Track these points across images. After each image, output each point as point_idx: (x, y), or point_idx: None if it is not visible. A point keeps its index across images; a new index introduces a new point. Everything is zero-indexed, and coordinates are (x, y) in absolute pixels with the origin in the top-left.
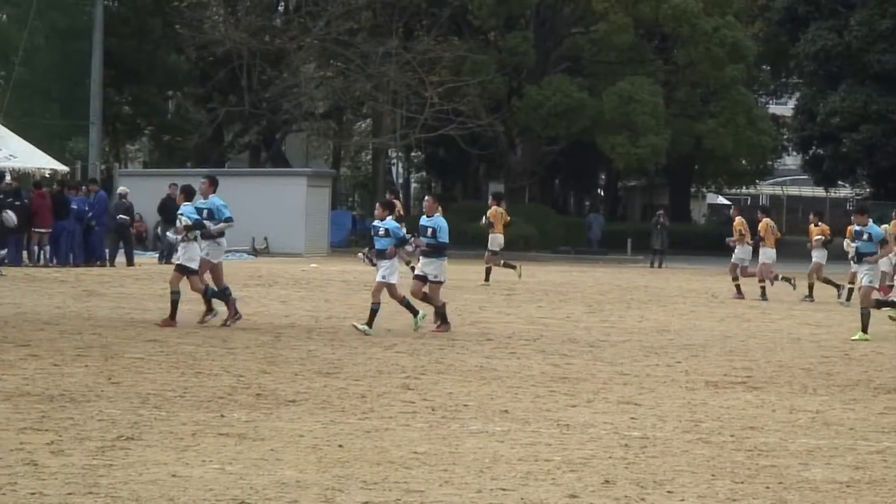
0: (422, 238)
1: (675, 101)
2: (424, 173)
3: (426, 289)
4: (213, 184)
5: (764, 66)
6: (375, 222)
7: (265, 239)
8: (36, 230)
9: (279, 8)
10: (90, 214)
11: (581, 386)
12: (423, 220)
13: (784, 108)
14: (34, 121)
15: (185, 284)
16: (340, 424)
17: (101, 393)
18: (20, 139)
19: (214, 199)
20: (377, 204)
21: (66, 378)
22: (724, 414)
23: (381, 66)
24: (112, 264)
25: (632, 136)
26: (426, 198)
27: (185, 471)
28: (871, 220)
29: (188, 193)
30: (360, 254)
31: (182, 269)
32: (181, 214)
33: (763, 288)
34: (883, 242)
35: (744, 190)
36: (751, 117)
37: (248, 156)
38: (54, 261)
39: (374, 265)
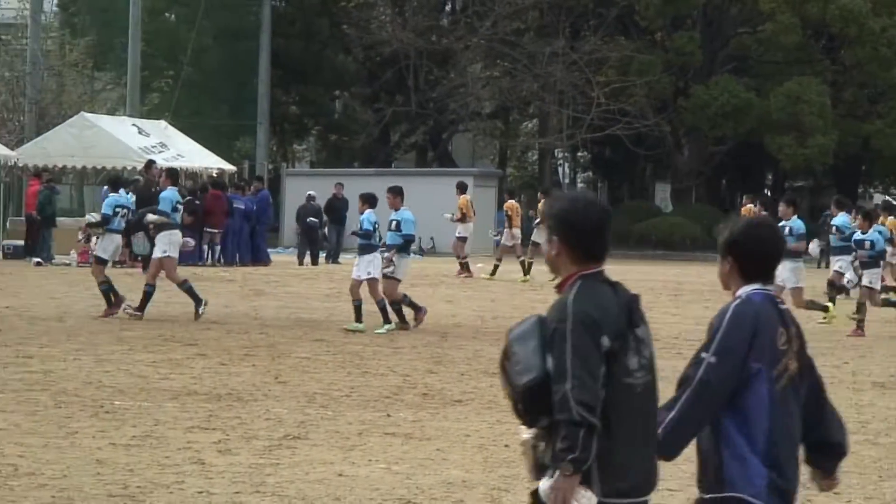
0: (388, 235)
1: (843, 101)
2: (591, 173)
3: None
4: (169, 176)
5: None
6: (392, 214)
7: (431, 239)
8: (208, 230)
9: (446, 8)
10: (254, 209)
11: None
12: (392, 215)
13: None
14: (202, 120)
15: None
16: (506, 424)
17: (267, 392)
18: (188, 138)
19: (166, 193)
20: (388, 193)
21: (234, 377)
22: (892, 415)
23: (548, 66)
24: (302, 264)
25: (799, 136)
26: (386, 194)
27: (352, 470)
28: (795, 215)
29: (114, 184)
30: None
31: (98, 260)
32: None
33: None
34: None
35: None
36: None
37: (414, 156)
38: (222, 260)
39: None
